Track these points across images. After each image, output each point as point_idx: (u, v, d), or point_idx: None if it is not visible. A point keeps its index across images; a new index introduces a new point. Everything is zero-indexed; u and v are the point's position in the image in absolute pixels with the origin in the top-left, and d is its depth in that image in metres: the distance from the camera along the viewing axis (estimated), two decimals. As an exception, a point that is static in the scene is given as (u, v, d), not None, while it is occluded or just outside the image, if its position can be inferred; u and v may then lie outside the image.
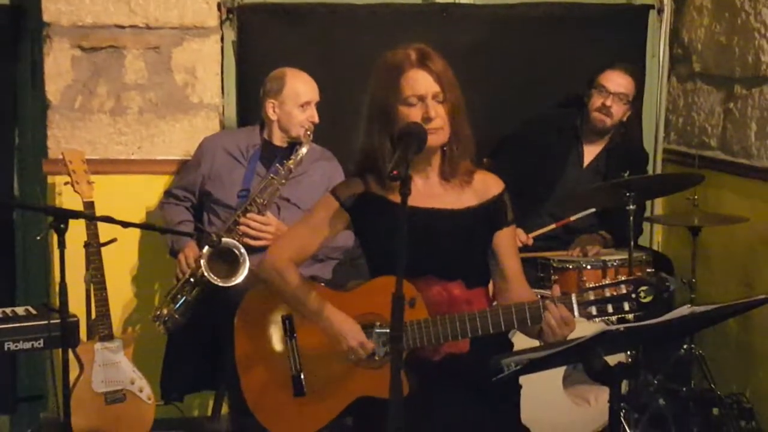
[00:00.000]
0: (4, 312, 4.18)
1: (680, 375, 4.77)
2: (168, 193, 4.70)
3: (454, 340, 3.11)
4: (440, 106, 3.11)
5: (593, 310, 3.03)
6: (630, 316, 3.05)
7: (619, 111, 4.90)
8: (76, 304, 4.19)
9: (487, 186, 3.25)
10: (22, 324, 4.10)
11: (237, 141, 4.60)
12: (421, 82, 3.10)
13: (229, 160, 4.55)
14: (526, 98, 5.23)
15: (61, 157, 4.47)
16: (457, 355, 3.15)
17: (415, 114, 3.08)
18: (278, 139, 4.54)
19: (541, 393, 4.19)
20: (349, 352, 3.17)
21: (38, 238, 4.46)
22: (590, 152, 5.03)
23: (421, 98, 3.09)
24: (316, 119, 4.48)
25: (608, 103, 4.87)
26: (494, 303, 3.35)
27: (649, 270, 4.58)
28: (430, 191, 3.20)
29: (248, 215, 4.36)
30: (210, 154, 4.59)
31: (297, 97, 4.47)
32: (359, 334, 3.17)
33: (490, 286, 3.35)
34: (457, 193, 3.22)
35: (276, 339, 3.34)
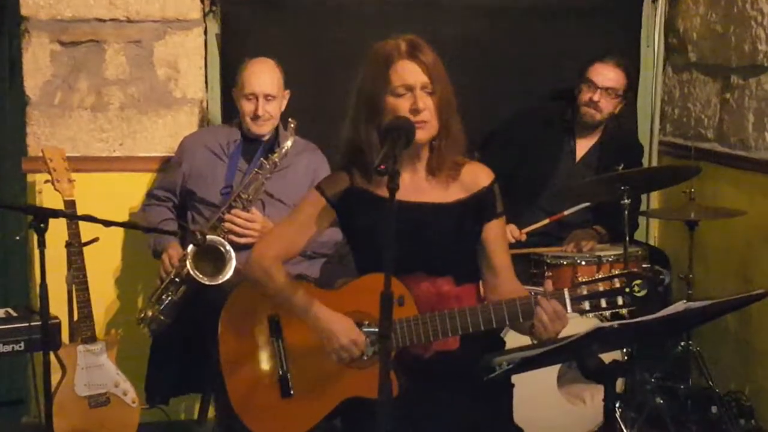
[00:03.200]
0: (-17, 314, 4.18)
1: (678, 373, 4.78)
2: (149, 195, 4.71)
3: (444, 337, 3.11)
4: (429, 98, 3.11)
5: (586, 305, 3.04)
6: (624, 310, 3.06)
7: (608, 105, 4.90)
8: (58, 306, 4.19)
9: (475, 177, 3.25)
10: (1, 326, 4.10)
11: (217, 137, 4.61)
12: (410, 73, 3.11)
13: (211, 157, 4.56)
14: (518, 91, 5.24)
15: (40, 154, 4.48)
16: (447, 353, 3.16)
17: (402, 105, 3.09)
18: (250, 133, 4.56)
19: (535, 392, 4.20)
20: (341, 350, 3.17)
21: (18, 238, 4.46)
22: (583, 146, 5.04)
23: (410, 89, 3.10)
24: (260, 112, 4.46)
25: (596, 98, 4.87)
26: (484, 299, 3.36)
27: (644, 265, 4.62)
28: (417, 185, 3.20)
29: (233, 212, 4.37)
30: (190, 152, 4.60)
31: (243, 87, 4.50)
32: (351, 332, 3.16)
33: (481, 283, 3.36)
34: (445, 186, 3.22)
35: (262, 339, 3.33)
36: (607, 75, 4.87)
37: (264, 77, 4.50)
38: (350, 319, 3.18)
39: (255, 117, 4.48)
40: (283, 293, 3.26)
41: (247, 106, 4.49)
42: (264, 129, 4.51)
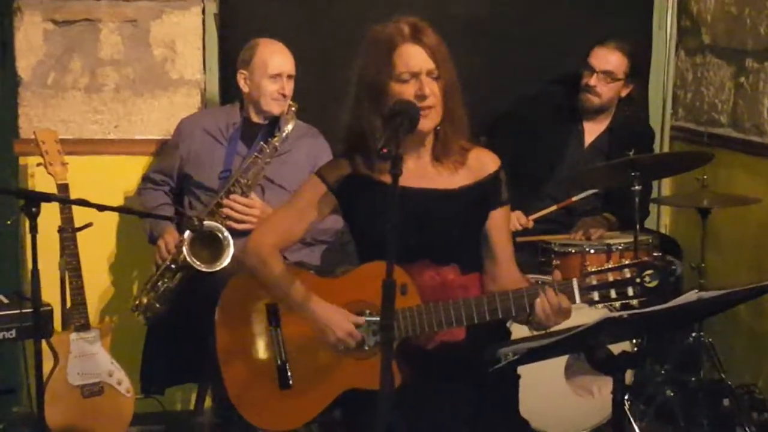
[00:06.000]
0: (-27, 301, 4.19)
1: (689, 365, 4.77)
2: (145, 179, 4.71)
3: (448, 328, 3.10)
4: (434, 83, 3.09)
5: (595, 295, 3.03)
6: (634, 301, 3.04)
7: (607, 90, 4.88)
8: (51, 293, 4.21)
9: (482, 163, 3.24)
10: (-8, 313, 4.11)
11: (216, 120, 4.60)
12: (415, 58, 3.09)
13: (209, 140, 4.55)
14: (526, 75, 5.22)
15: (33, 136, 4.46)
16: (452, 344, 3.15)
17: (408, 91, 3.07)
18: (255, 115, 4.55)
19: (542, 383, 4.21)
20: (337, 343, 3.17)
21: (9, 222, 4.45)
22: (592, 131, 5.02)
23: (415, 75, 3.08)
24: (286, 92, 4.49)
25: (592, 82, 4.86)
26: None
27: (655, 254, 4.61)
28: (422, 171, 3.19)
29: (231, 197, 4.36)
30: (188, 135, 4.60)
31: (265, 67, 4.48)
32: (346, 324, 3.15)
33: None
34: (450, 173, 3.21)
35: (260, 329, 3.32)
36: (604, 58, 4.86)
37: (286, 57, 4.53)
38: (346, 311, 3.18)
39: (282, 96, 4.48)
40: (279, 284, 3.25)
41: (271, 86, 4.48)
42: (283, 108, 4.51)
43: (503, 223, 3.29)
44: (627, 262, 3.04)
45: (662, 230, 5.57)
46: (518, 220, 4.79)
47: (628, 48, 4.89)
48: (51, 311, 4.19)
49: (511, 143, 4.86)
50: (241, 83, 4.55)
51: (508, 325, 3.44)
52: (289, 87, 4.51)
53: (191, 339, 4.11)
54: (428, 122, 3.09)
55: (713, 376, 4.77)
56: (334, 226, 4.32)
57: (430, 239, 3.15)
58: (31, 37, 4.80)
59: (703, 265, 4.67)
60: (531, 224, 4.84)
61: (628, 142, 4.73)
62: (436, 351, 3.15)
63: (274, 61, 4.50)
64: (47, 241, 3.99)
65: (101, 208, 3.71)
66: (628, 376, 4.42)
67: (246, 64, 4.54)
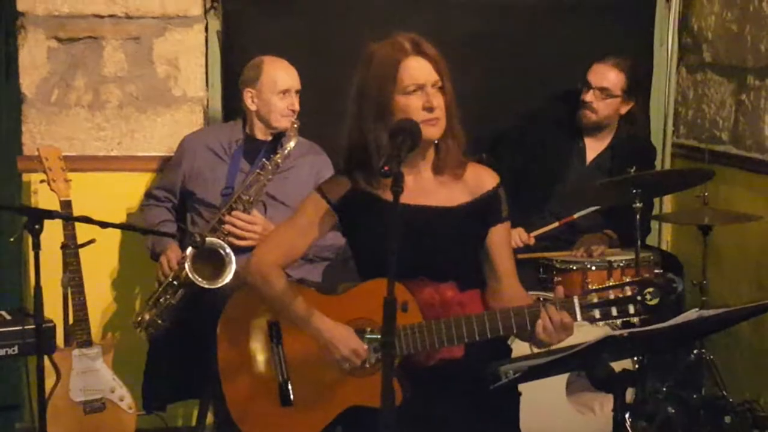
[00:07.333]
0: (-24, 318, 4.18)
1: (690, 381, 4.76)
2: (148, 195, 4.71)
3: (449, 345, 3.09)
4: (439, 96, 3.10)
5: (596, 313, 3.02)
6: (635, 319, 3.04)
7: (603, 106, 4.89)
8: (53, 309, 4.19)
9: (480, 180, 3.24)
10: (-5, 330, 4.10)
11: (219, 137, 4.60)
12: (420, 70, 3.10)
13: (211, 157, 4.55)
14: (527, 91, 5.22)
15: (36, 153, 4.46)
16: (452, 361, 3.14)
17: (414, 103, 3.07)
18: (261, 132, 4.56)
19: (543, 400, 4.20)
20: (342, 361, 3.16)
21: (12, 239, 4.44)
22: (594, 148, 5.02)
23: (421, 87, 3.08)
24: (297, 107, 4.51)
25: (588, 98, 4.87)
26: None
27: (656, 271, 4.61)
28: (421, 187, 3.19)
29: (233, 213, 4.36)
30: (191, 152, 4.60)
31: (275, 84, 4.49)
32: (351, 341, 3.15)
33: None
34: (449, 189, 3.21)
35: (261, 345, 3.33)
36: (602, 74, 4.87)
37: (292, 73, 4.55)
38: (350, 328, 3.17)
39: (292, 112, 4.50)
40: (282, 301, 3.25)
41: (281, 103, 4.49)
42: (290, 123, 4.51)
43: (504, 240, 3.29)
44: (628, 280, 3.04)
45: (663, 247, 5.56)
46: (519, 236, 4.78)
47: (626, 65, 4.89)
48: (53, 327, 4.18)
49: (513, 160, 4.87)
50: (248, 102, 4.54)
51: (509, 342, 3.44)
52: (297, 102, 4.53)
53: (193, 355, 4.12)
54: (436, 131, 3.10)
55: (715, 393, 4.76)
56: (336, 242, 4.31)
57: (428, 256, 3.15)
58: (34, 55, 4.81)
59: (704, 282, 4.66)
60: (532, 241, 4.83)
61: (630, 159, 4.72)
62: (436, 368, 3.15)
63: (282, 78, 4.51)
64: (50, 257, 4.00)
65: (104, 225, 3.70)
66: (629, 394, 4.41)
67: (253, 83, 4.53)
